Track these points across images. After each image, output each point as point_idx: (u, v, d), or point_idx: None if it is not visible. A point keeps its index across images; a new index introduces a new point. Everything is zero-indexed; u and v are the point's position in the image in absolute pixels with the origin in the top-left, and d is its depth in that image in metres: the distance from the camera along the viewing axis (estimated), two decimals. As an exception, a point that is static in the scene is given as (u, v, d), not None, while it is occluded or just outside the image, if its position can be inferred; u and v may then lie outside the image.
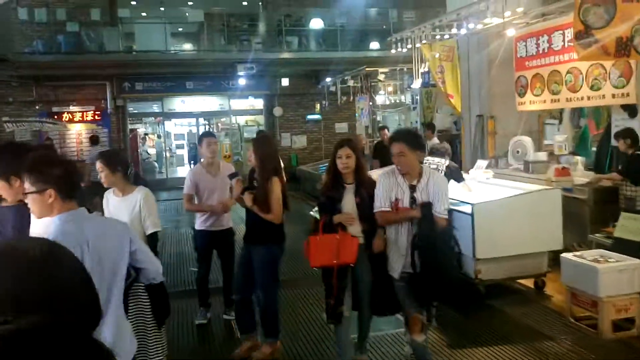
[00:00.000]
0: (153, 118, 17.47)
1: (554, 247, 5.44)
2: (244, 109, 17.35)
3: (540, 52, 7.06)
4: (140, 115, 17.02)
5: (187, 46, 16.58)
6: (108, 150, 5.29)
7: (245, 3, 17.05)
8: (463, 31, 7.06)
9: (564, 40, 6.59)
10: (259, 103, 17.16)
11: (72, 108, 15.20)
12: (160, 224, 3.86)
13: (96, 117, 15.35)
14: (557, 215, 5.42)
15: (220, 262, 5.25)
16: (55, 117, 15.00)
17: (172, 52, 14.82)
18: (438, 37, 8.81)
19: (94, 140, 13.01)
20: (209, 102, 16.82)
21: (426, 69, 8.03)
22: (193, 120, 17.66)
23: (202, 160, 5.07)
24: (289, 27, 15.54)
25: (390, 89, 14.35)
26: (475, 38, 8.23)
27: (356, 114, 13.89)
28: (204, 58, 14.73)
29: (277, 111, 16.74)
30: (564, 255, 4.90)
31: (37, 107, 14.88)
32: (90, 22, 13.81)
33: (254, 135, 17.40)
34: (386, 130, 10.16)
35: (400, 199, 3.42)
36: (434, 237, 3.35)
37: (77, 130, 15.37)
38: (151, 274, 2.38)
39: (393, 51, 8.12)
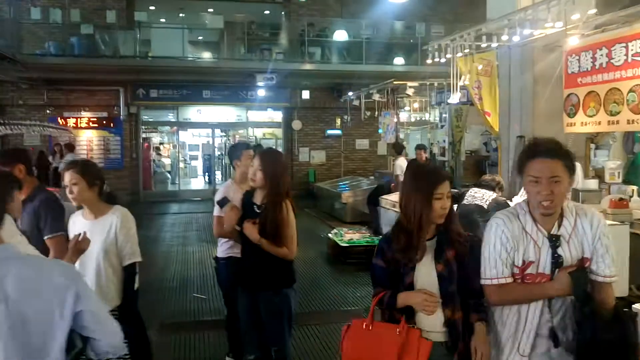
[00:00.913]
0: (169, 127, 16.88)
1: (617, 293, 4.57)
2: (262, 121, 16.73)
3: (597, 67, 6.23)
4: (154, 124, 16.47)
5: (206, 54, 16.04)
6: (83, 160, 4.29)
7: (267, 12, 16.52)
8: (516, 38, 6.26)
9: (627, 54, 5.77)
10: (277, 115, 16.53)
11: (83, 113, 14.72)
12: (139, 254, 3.08)
13: (108, 124, 14.85)
14: (623, 257, 4.57)
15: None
16: (66, 122, 14.55)
17: (190, 59, 14.26)
18: (472, 48, 8.05)
19: (69, 147, 12.37)
20: (226, 113, 16.23)
21: (466, 82, 7.24)
22: (208, 131, 17.05)
23: (234, 175, 4.20)
24: (312, 37, 14.91)
25: (416, 105, 13.59)
26: (517, 50, 7.44)
27: (379, 130, 13.12)
28: (222, 66, 14.15)
29: (296, 124, 16.08)
30: (637, 306, 4.05)
31: (47, 111, 14.43)
32: (105, 25, 13.34)
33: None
34: (423, 151, 9.29)
35: (534, 260, 2.06)
36: (604, 328, 1.93)
37: (87, 137, 14.86)
38: (103, 347, 1.62)
39: (429, 61, 7.34)
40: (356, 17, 15.08)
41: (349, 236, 7.89)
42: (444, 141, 12.08)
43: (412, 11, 15.23)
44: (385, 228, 7.97)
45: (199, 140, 18.85)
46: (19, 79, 13.33)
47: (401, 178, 9.61)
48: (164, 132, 18.11)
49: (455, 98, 7.25)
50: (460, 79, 7.29)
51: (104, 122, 14.81)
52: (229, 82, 15.03)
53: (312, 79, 15.17)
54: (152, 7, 15.82)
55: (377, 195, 8.36)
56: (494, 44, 6.94)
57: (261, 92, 14.96)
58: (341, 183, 13.50)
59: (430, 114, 14.20)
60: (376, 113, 12.51)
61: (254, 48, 14.76)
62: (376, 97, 11.60)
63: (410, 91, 10.45)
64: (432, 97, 11.60)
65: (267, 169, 3.08)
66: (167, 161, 18.02)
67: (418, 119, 14.95)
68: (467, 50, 7.51)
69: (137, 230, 3.11)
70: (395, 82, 10.64)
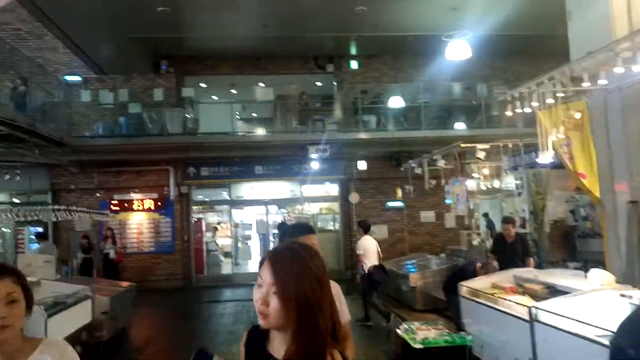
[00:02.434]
0: (223, 206, 16.10)
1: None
2: (317, 195, 15.63)
3: None
4: (206, 204, 15.77)
5: (257, 129, 15.47)
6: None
7: (319, 83, 15.90)
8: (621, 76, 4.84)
9: None
10: (333, 189, 15.39)
11: (132, 195, 14.24)
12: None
13: (159, 205, 14.25)
14: None
15: None
16: (116, 205, 14.10)
17: (240, 134, 13.63)
18: (557, 98, 6.61)
19: (41, 236, 11.92)
20: (280, 188, 15.29)
21: (559, 136, 5.77)
22: (262, 208, 16.13)
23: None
24: (366, 105, 13.99)
25: (486, 171, 12.01)
26: (617, 94, 5.95)
27: (447, 200, 11.57)
28: (274, 140, 13.40)
29: (354, 198, 14.84)
30: None
31: (97, 195, 14.07)
32: (153, 103, 13.07)
33: (329, 226, 15.94)
34: (512, 225, 7.74)
35: None
36: None
37: (138, 220, 14.28)
38: None
39: (509, 113, 5.98)
40: (411, 81, 14.07)
41: (422, 334, 6.22)
42: (524, 210, 10.38)
43: (471, 72, 14.10)
44: (469, 322, 6.32)
45: (252, 219, 18.01)
46: (69, 162, 13.12)
47: (364, 258, 8.67)
48: (216, 211, 17.39)
49: (546, 157, 5.76)
50: (552, 132, 5.85)
51: (154, 203, 14.24)
52: (281, 156, 14.21)
53: (368, 148, 14.08)
54: (202, 84, 15.63)
55: (457, 281, 6.78)
56: (587, 86, 5.48)
57: (315, 165, 13.97)
58: (407, 262, 11.89)
59: (501, 181, 12.59)
60: (442, 181, 11.06)
61: (306, 119, 13.99)
62: (441, 163, 10.22)
63: (481, 154, 9.01)
64: (505, 162, 10.08)
65: (290, 289, 1.49)
66: (220, 242, 17.12)
67: (490, 186, 13.32)
68: (551, 101, 6.10)
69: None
70: (462, 145, 9.27)
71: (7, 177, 12.10)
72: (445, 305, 8.28)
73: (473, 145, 9.02)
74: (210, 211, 17.20)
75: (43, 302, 5.92)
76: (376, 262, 8.65)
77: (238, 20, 12.02)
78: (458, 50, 9.46)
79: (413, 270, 10.77)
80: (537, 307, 4.78)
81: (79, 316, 6.66)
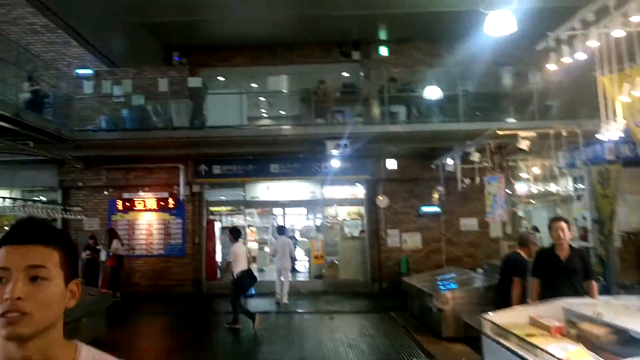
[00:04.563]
0: (236, 207, 14.43)
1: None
2: (340, 197, 13.66)
3: None
4: (219, 204, 14.12)
5: (269, 122, 13.81)
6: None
7: (345, 74, 13.98)
8: None
9: None
10: (359, 191, 13.38)
11: (142, 194, 12.90)
12: None
13: (169, 205, 12.83)
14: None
15: None
16: (127, 203, 12.82)
17: (248, 127, 11.92)
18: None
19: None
20: (299, 189, 13.45)
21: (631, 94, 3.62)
22: (279, 211, 14.40)
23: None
24: (395, 94, 11.93)
25: (536, 170, 9.60)
26: None
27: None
28: (289, 134, 11.57)
29: (382, 201, 12.80)
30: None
31: (106, 193, 12.84)
32: (159, 94, 11.65)
33: (356, 232, 13.78)
34: (564, 226, 5.02)
35: None
36: None
37: (147, 220, 12.92)
38: None
39: (551, 66, 3.89)
40: (449, 68, 11.87)
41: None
42: (584, 218, 8.01)
43: (520, 56, 11.69)
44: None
45: (269, 222, 16.36)
46: (73, 158, 11.95)
47: (234, 265, 8.63)
48: (237, 213, 15.80)
49: (613, 131, 3.62)
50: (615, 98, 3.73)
51: (165, 203, 12.83)
52: (299, 153, 12.42)
53: (398, 144, 11.96)
54: (220, 78, 14.16)
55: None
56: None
57: (337, 163, 12.05)
58: (441, 278, 9.67)
59: (555, 181, 10.19)
60: (478, 179, 8.84)
61: (325, 112, 12.12)
62: (475, 157, 8.04)
63: (524, 144, 6.77)
64: (558, 156, 7.77)
65: None
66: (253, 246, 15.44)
67: (542, 190, 10.91)
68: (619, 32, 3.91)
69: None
70: (500, 133, 7.06)
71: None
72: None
73: (513, 132, 6.81)
74: (241, 213, 15.69)
75: None
76: (245, 267, 8.82)
77: (254, 1, 10.50)
78: (500, 23, 7.29)
79: (444, 287, 8.59)
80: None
81: None
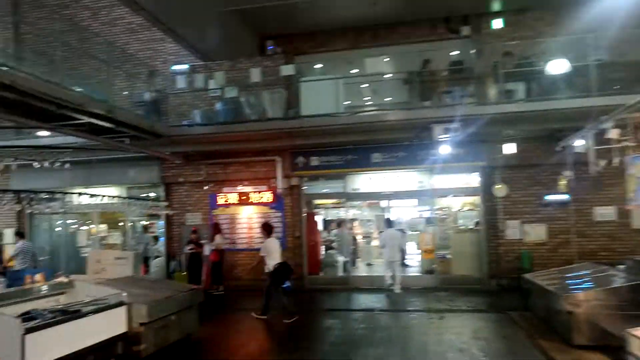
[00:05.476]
0: (337, 200, 14.48)
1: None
2: (452, 187, 13.13)
3: None
4: (318, 197, 14.24)
5: (370, 109, 13.59)
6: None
7: (454, 53, 13.40)
8: None
9: None
10: (473, 179, 12.78)
11: (240, 188, 13.44)
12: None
13: (268, 198, 13.22)
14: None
15: None
16: (227, 198, 13.46)
17: (344, 115, 11.82)
18: None
19: (19, 234, 12.01)
20: (404, 180, 13.13)
21: None
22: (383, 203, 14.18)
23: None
24: (511, 69, 11.18)
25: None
26: None
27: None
28: (392, 120, 11.31)
29: (500, 190, 12.14)
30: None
31: (206, 188, 13.57)
32: (252, 85, 11.98)
33: (470, 224, 13.23)
34: None
35: None
36: None
37: (247, 214, 13.45)
38: None
39: None
40: (577, 35, 10.84)
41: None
42: None
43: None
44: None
45: (372, 215, 16.22)
46: (171, 154, 12.74)
47: (267, 259, 9.32)
48: (329, 207, 15.91)
49: None
50: None
51: (264, 196, 13.24)
52: (403, 140, 12.12)
53: (517, 125, 11.19)
54: (318, 65, 14.25)
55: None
56: None
57: (446, 150, 11.60)
58: (571, 276, 8.95)
59: None
60: (615, 160, 7.97)
61: (431, 94, 11.69)
62: (614, 134, 7.26)
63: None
64: None
65: None
66: (336, 241, 15.54)
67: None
68: None
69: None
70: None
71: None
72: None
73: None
74: (324, 206, 15.81)
75: (38, 313, 4.95)
76: (279, 261, 9.45)
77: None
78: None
79: (579, 287, 7.90)
80: None
81: (101, 327, 5.61)
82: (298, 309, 9.83)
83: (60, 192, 11.16)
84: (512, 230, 12.11)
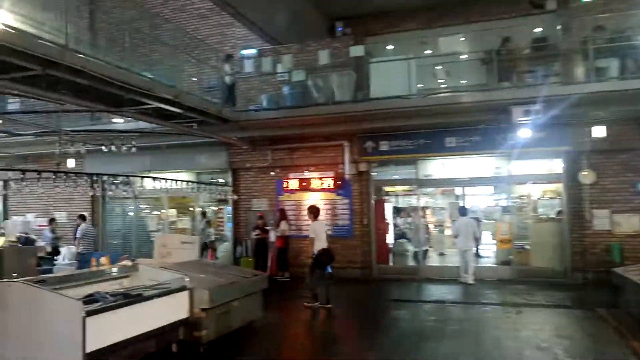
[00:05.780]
0: (407, 187, 13.97)
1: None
2: (532, 173, 12.30)
3: None
4: (388, 183, 13.82)
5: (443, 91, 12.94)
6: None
7: (537, 30, 12.46)
8: None
9: None
10: (556, 165, 11.88)
11: (307, 174, 13.30)
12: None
13: (335, 185, 13.00)
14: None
15: None
16: (293, 184, 13.38)
17: (414, 97, 11.29)
18: None
19: (82, 217, 12.73)
20: (480, 165, 12.43)
21: None
22: (458, 190, 13.56)
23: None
24: (603, 44, 10.21)
25: None
26: None
27: None
28: (467, 102, 10.68)
29: (587, 177, 11.24)
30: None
31: (272, 174, 13.54)
32: (320, 67, 11.73)
33: (552, 214, 12.38)
34: None
35: None
36: None
37: (313, 201, 13.28)
38: None
39: None
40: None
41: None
42: None
43: None
44: None
45: (445, 202, 15.53)
46: (239, 139, 12.77)
47: (316, 241, 9.26)
48: (399, 193, 15.40)
49: None
50: None
51: (331, 182, 13.04)
52: (479, 123, 11.46)
53: (608, 106, 10.31)
54: (389, 46, 13.76)
55: None
56: None
57: (527, 133, 10.85)
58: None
59: None
60: None
61: (510, 74, 10.92)
62: None
63: None
64: None
65: None
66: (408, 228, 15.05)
67: None
68: None
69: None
70: None
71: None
72: None
73: None
74: (407, 194, 15.30)
75: (101, 295, 4.98)
76: (325, 246, 9.33)
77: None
78: None
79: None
80: None
81: (162, 311, 5.60)
82: (366, 299, 9.54)
83: (133, 176, 11.46)
84: (600, 220, 11.24)
